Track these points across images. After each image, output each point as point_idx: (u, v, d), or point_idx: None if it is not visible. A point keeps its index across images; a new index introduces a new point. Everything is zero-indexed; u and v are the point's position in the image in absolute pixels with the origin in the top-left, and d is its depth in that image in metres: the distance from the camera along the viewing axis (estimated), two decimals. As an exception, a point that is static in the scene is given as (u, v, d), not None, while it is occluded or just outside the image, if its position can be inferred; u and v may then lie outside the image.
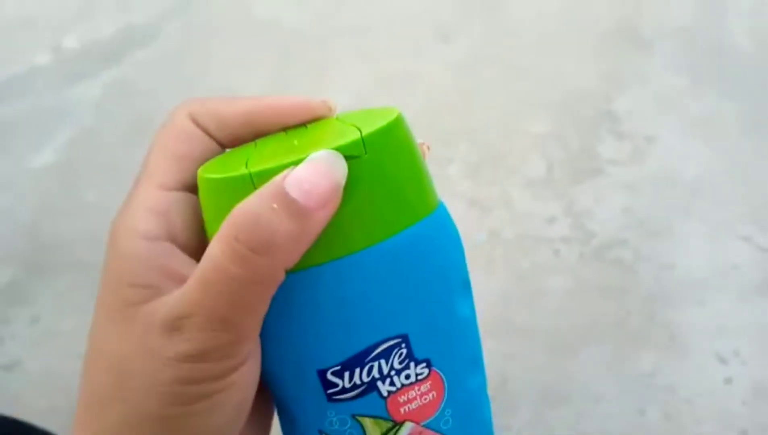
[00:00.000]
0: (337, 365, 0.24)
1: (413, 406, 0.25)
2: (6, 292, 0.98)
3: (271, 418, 0.28)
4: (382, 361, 0.24)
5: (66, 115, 1.22)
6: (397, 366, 0.24)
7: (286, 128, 0.26)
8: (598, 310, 0.89)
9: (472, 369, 0.26)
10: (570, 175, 1.04)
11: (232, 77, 1.25)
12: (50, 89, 1.27)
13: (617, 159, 1.06)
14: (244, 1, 1.40)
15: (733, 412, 0.80)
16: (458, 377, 0.25)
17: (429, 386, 0.25)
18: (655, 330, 0.87)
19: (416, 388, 0.25)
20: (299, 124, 0.26)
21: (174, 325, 0.22)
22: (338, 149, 0.22)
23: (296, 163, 0.22)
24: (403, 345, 0.24)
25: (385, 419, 0.25)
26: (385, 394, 0.24)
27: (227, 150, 0.26)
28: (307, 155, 0.22)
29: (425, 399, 0.25)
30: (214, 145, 0.26)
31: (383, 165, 0.23)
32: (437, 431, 0.25)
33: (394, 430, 0.25)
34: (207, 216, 0.24)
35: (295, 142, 0.24)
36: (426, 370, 0.25)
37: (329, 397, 0.24)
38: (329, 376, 0.24)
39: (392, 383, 0.24)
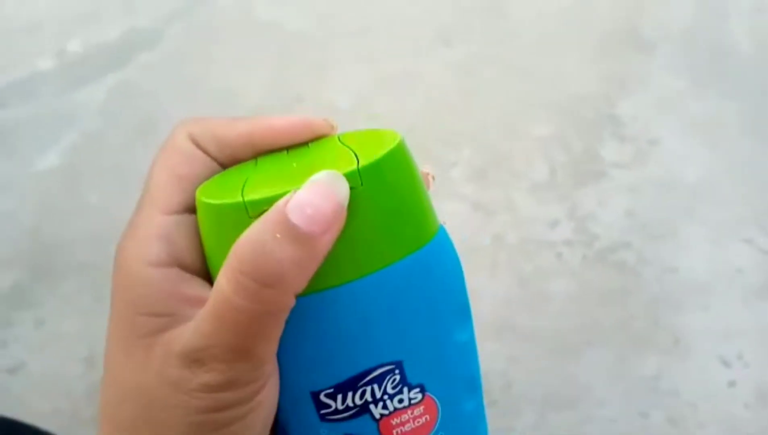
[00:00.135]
0: (329, 388, 0.24)
1: (406, 428, 0.25)
2: (10, 295, 0.98)
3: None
4: (375, 386, 0.24)
5: (70, 118, 1.22)
6: (390, 391, 0.24)
7: (288, 147, 0.26)
8: (602, 314, 0.89)
9: (468, 393, 0.26)
10: (573, 178, 1.04)
11: (234, 79, 1.25)
12: (54, 93, 1.27)
13: (620, 162, 1.06)
14: (246, 3, 1.41)
15: (737, 415, 0.79)
16: (453, 401, 0.26)
17: (422, 410, 0.25)
18: (658, 333, 0.87)
19: (409, 411, 0.25)
20: (301, 144, 0.26)
21: (193, 358, 0.22)
22: None
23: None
24: (397, 371, 0.24)
25: None
26: (377, 416, 0.24)
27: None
28: (306, 179, 0.22)
29: (418, 422, 0.25)
30: (215, 166, 0.26)
31: (379, 196, 0.23)
32: None
33: None
34: (205, 238, 0.24)
35: (294, 165, 0.24)
36: (420, 395, 0.25)
37: (322, 417, 0.24)
38: (322, 398, 0.24)
39: (385, 407, 0.24)
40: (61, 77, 1.30)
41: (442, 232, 0.25)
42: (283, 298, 0.22)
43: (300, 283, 0.22)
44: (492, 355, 0.85)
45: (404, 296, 0.24)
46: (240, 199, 0.22)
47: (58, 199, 1.10)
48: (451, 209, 1.00)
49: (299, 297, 0.23)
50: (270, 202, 0.22)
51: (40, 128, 1.21)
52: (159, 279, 0.23)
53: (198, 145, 0.25)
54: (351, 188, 0.22)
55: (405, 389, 0.24)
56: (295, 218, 0.21)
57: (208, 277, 0.24)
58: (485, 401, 0.28)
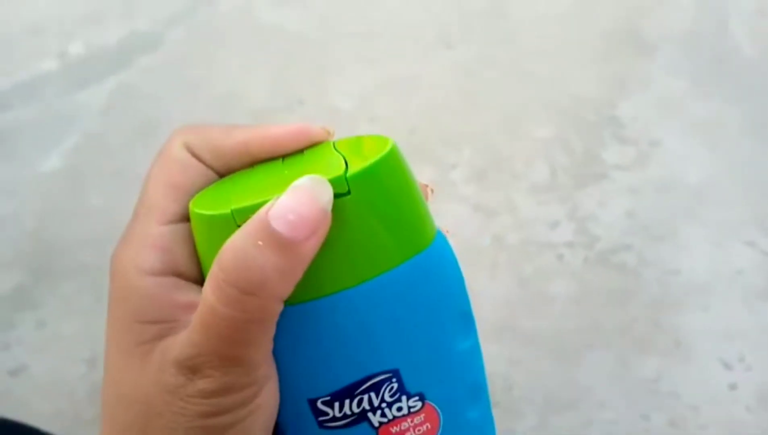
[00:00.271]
0: (326, 396, 0.24)
1: None
2: (12, 297, 0.98)
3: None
4: (373, 394, 0.24)
5: (72, 120, 1.22)
6: (388, 399, 0.24)
7: (284, 155, 0.26)
8: (602, 315, 0.89)
9: (472, 400, 0.26)
10: (574, 179, 1.04)
11: (235, 82, 1.25)
12: (56, 95, 1.28)
13: (621, 163, 1.06)
14: (248, 6, 1.41)
15: (738, 418, 0.79)
16: (455, 409, 0.25)
17: (423, 418, 0.25)
18: (659, 335, 0.87)
19: (409, 420, 0.25)
20: (297, 152, 0.26)
21: (187, 365, 0.22)
22: None
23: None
24: (394, 380, 0.24)
25: None
26: (376, 424, 0.24)
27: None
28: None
29: (419, 430, 0.25)
30: (211, 175, 0.26)
31: (371, 203, 0.23)
32: None
33: None
34: (198, 247, 0.24)
35: (286, 172, 0.24)
36: (419, 403, 0.25)
37: (320, 424, 0.24)
38: (319, 405, 0.24)
39: (383, 415, 0.24)
40: (63, 79, 1.31)
41: (439, 239, 0.25)
42: (268, 305, 0.22)
43: (284, 290, 0.22)
44: (492, 357, 0.85)
45: (400, 304, 0.24)
46: (228, 208, 0.22)
47: (59, 201, 1.10)
48: (452, 210, 1.01)
49: (295, 305, 0.23)
50: (255, 209, 0.22)
51: (43, 130, 1.22)
52: (155, 287, 0.23)
53: (194, 154, 0.26)
54: (340, 195, 0.22)
55: (403, 397, 0.24)
56: (277, 225, 0.21)
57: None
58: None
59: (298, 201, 0.21)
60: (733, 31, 1.24)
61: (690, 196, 1.01)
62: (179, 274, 0.24)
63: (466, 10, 1.35)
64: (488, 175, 1.06)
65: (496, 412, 0.28)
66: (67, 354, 0.91)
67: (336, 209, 0.22)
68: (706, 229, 0.96)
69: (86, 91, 1.27)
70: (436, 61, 1.25)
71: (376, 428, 0.24)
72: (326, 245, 0.22)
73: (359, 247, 0.23)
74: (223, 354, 0.22)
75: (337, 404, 0.24)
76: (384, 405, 0.24)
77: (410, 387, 0.24)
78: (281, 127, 0.26)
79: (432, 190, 0.26)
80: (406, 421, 0.25)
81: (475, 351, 0.26)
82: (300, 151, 0.26)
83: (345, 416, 0.24)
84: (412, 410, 0.24)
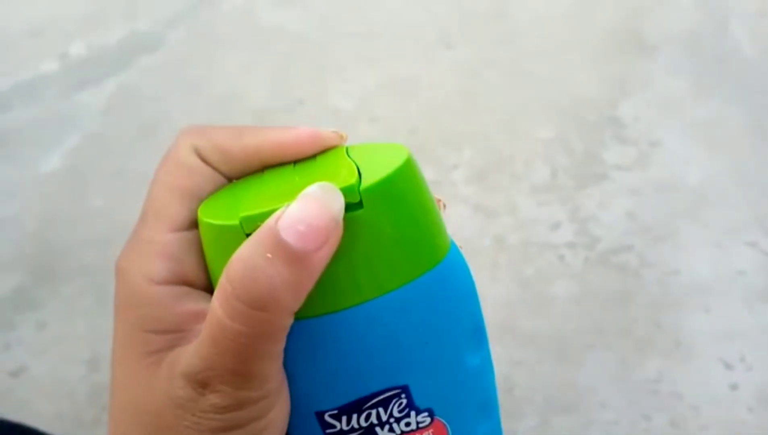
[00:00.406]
0: (334, 409, 0.24)
1: None
2: (13, 298, 0.98)
3: None
4: (381, 409, 0.24)
5: (73, 121, 1.22)
6: (396, 414, 0.24)
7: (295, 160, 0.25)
8: (604, 316, 0.89)
9: (481, 416, 0.26)
10: (575, 180, 1.04)
11: (236, 82, 1.25)
12: (57, 96, 1.28)
13: (622, 164, 1.06)
14: (249, 6, 1.41)
15: (739, 418, 0.79)
16: (464, 425, 0.25)
17: (431, 434, 0.24)
18: (660, 336, 0.87)
19: None
20: (309, 157, 0.25)
21: (197, 380, 0.22)
22: None
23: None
24: (403, 395, 0.24)
25: None
26: None
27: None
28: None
29: None
30: (219, 179, 0.25)
31: (384, 218, 0.22)
32: None
33: None
34: (207, 255, 0.24)
35: (297, 179, 0.24)
36: (428, 419, 0.24)
37: None
38: (327, 418, 0.24)
39: (391, 429, 0.24)
40: (63, 80, 1.31)
41: (453, 253, 0.24)
42: (277, 319, 0.21)
43: (295, 303, 0.21)
44: (494, 358, 0.85)
45: (411, 320, 0.23)
46: (237, 217, 0.22)
47: (60, 202, 1.10)
48: (453, 211, 1.00)
49: (306, 320, 0.22)
50: (264, 218, 0.21)
51: (43, 131, 1.22)
52: (163, 297, 0.23)
53: (202, 158, 0.25)
54: (352, 205, 0.21)
55: (412, 413, 0.24)
56: (287, 235, 0.20)
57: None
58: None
59: (309, 211, 0.20)
60: (733, 32, 1.24)
61: (691, 196, 1.01)
62: (188, 283, 0.24)
63: (467, 11, 1.35)
64: (489, 176, 1.06)
65: (496, 413, 0.28)
66: (67, 355, 0.91)
67: (348, 223, 0.21)
68: (707, 230, 0.96)
69: (87, 92, 1.27)
70: (436, 62, 1.25)
71: None
72: (338, 259, 0.21)
73: (371, 262, 0.22)
74: (232, 369, 0.21)
75: (344, 418, 0.24)
76: (392, 420, 0.24)
77: (419, 402, 0.24)
78: (293, 131, 0.25)
79: (444, 205, 0.25)
80: None
81: (486, 366, 0.26)
82: (312, 156, 0.25)
83: (353, 430, 0.24)
84: (420, 425, 0.24)
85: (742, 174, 1.03)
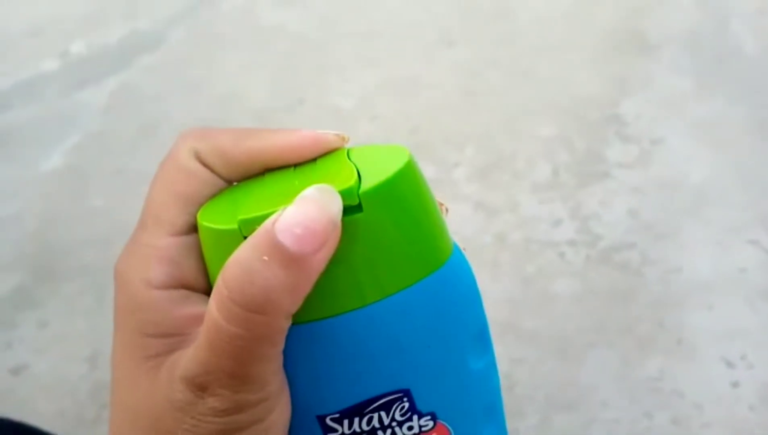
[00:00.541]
0: (335, 413, 0.24)
1: None
2: (13, 297, 0.98)
3: None
4: (383, 413, 0.23)
5: (73, 120, 1.22)
6: (398, 418, 0.24)
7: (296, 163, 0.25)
8: (605, 314, 0.89)
9: (486, 420, 0.26)
10: (576, 178, 1.04)
11: (236, 82, 1.25)
12: (57, 95, 1.28)
13: (623, 162, 1.06)
14: (249, 6, 1.41)
15: (741, 416, 0.79)
16: (469, 429, 0.25)
17: None
18: (662, 334, 0.87)
19: None
20: (310, 160, 0.25)
21: (196, 383, 0.22)
22: None
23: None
24: (405, 399, 0.24)
25: None
26: None
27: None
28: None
29: None
30: (219, 182, 0.25)
31: (384, 221, 0.22)
32: None
33: None
34: (206, 258, 0.24)
35: (297, 182, 0.23)
36: (431, 423, 0.24)
37: None
38: (328, 422, 0.24)
39: (394, 433, 0.24)
40: (64, 79, 1.31)
41: (455, 256, 0.24)
42: (275, 322, 0.21)
43: (292, 306, 0.21)
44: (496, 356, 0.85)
45: (413, 324, 0.23)
46: (236, 221, 0.22)
47: (60, 202, 1.10)
48: (454, 209, 1.00)
49: (305, 323, 0.22)
50: (262, 221, 0.21)
51: (43, 130, 1.22)
52: (163, 301, 0.23)
53: (202, 162, 0.25)
54: (350, 207, 0.21)
55: (414, 417, 0.24)
56: (283, 238, 0.20)
57: None
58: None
59: (306, 213, 0.20)
60: (734, 30, 1.24)
61: (692, 194, 1.01)
62: (187, 286, 0.24)
63: (467, 10, 1.35)
64: (490, 174, 1.06)
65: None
66: (68, 353, 0.91)
67: (348, 226, 0.21)
68: (709, 228, 0.96)
69: (87, 91, 1.27)
70: (437, 61, 1.25)
71: None
72: (339, 262, 0.21)
73: (372, 265, 0.22)
74: (231, 372, 0.21)
75: (346, 422, 0.24)
76: (394, 424, 0.24)
77: (422, 406, 0.24)
78: (294, 134, 0.25)
79: (447, 210, 0.25)
80: None
81: (490, 370, 0.26)
82: (312, 159, 0.25)
83: (354, 433, 0.24)
84: (423, 429, 0.24)
85: (743, 172, 1.03)
